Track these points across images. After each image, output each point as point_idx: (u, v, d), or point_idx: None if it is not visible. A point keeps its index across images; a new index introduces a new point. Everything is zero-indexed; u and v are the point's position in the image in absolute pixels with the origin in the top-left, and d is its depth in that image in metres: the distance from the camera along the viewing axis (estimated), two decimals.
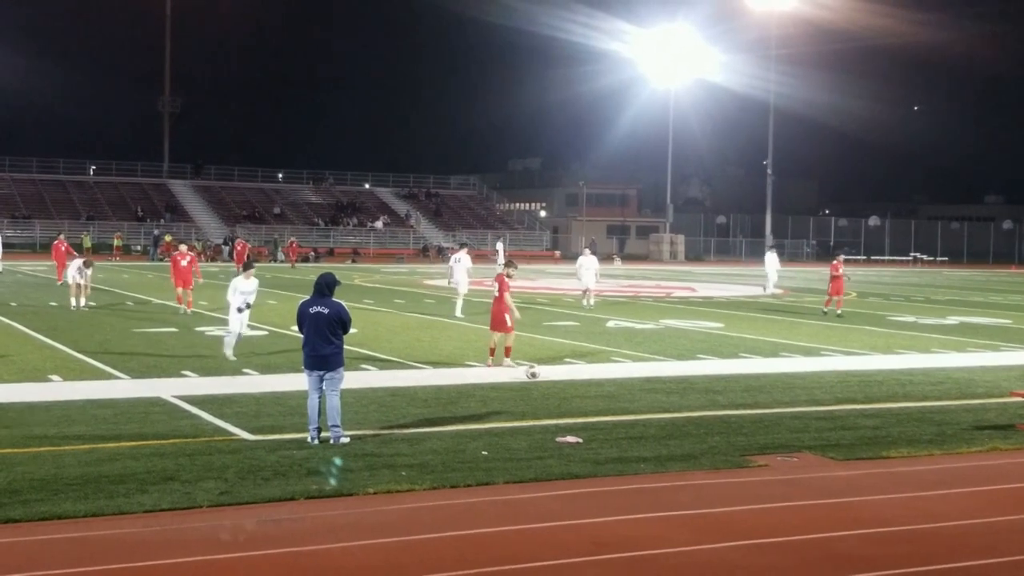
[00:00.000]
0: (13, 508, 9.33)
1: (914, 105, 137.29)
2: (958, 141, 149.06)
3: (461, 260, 30.20)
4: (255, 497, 9.87)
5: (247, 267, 20.10)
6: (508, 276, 19.28)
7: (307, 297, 12.66)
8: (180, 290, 28.59)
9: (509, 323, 18.79)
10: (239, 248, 55.19)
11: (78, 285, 28.78)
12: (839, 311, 30.57)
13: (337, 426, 12.16)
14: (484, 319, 28.06)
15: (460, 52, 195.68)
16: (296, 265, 63.49)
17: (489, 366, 18.59)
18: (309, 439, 12.11)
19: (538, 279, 47.69)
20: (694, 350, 21.93)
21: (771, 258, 43.22)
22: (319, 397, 12.26)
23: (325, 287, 12.46)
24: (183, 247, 30.49)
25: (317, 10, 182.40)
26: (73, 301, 28.77)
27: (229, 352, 19.03)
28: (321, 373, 12.23)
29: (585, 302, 32.55)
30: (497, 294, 18.99)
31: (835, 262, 31.64)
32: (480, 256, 69.17)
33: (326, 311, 12.28)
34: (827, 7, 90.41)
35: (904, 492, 10.73)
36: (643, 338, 24.06)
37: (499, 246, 53.44)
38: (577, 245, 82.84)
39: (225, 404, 14.42)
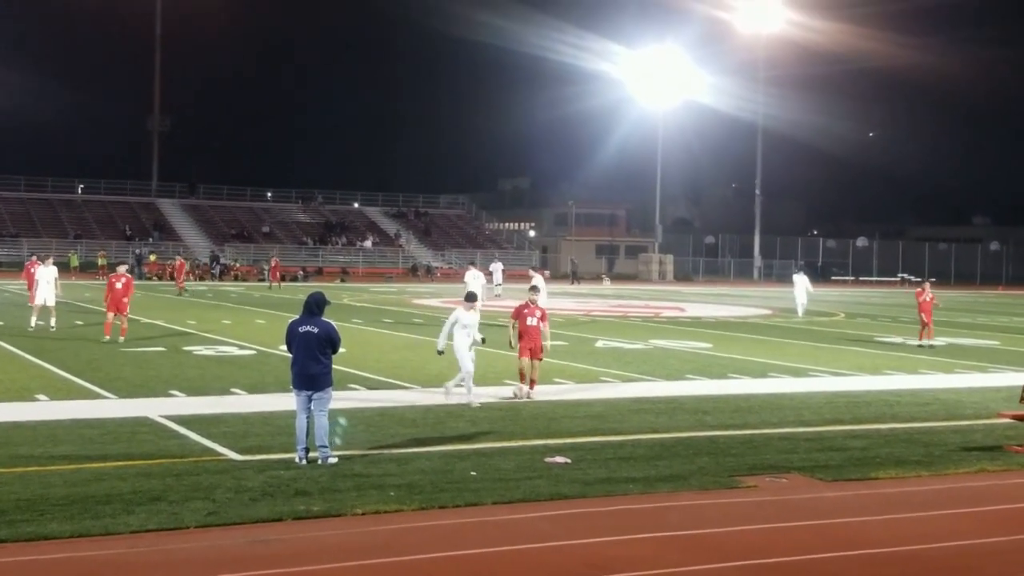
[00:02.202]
0: None
1: (910, 127, 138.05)
2: (946, 163, 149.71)
3: (479, 277, 32.05)
4: (243, 518, 9.82)
5: (471, 299, 17.40)
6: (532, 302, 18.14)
7: (297, 316, 12.61)
8: (111, 315, 25.38)
9: (515, 346, 17.92)
10: (177, 265, 52.63)
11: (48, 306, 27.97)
12: (931, 343, 28.87)
13: (325, 446, 12.11)
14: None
15: (450, 72, 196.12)
16: (277, 285, 59.32)
17: (524, 394, 17.53)
18: (297, 459, 12.06)
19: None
20: (683, 370, 21.94)
21: (800, 280, 41.74)
22: (307, 417, 12.21)
23: (315, 306, 12.41)
24: (121, 268, 27.27)
25: (306, 30, 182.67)
26: (53, 321, 28.22)
27: (472, 397, 16.60)
28: (309, 393, 12.17)
29: None
30: (535, 322, 17.81)
31: (919, 290, 29.77)
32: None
33: (316, 330, 12.22)
34: (815, 30, 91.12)
35: (892, 513, 10.74)
36: (632, 358, 24.07)
37: (494, 267, 53.25)
38: (566, 265, 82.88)
39: (212, 424, 14.37)
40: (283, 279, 62.28)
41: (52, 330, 27.36)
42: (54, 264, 29.53)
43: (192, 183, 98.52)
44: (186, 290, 49.27)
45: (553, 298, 46.56)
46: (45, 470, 11.47)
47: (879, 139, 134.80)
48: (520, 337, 17.86)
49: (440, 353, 17.11)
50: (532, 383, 17.76)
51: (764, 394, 18.71)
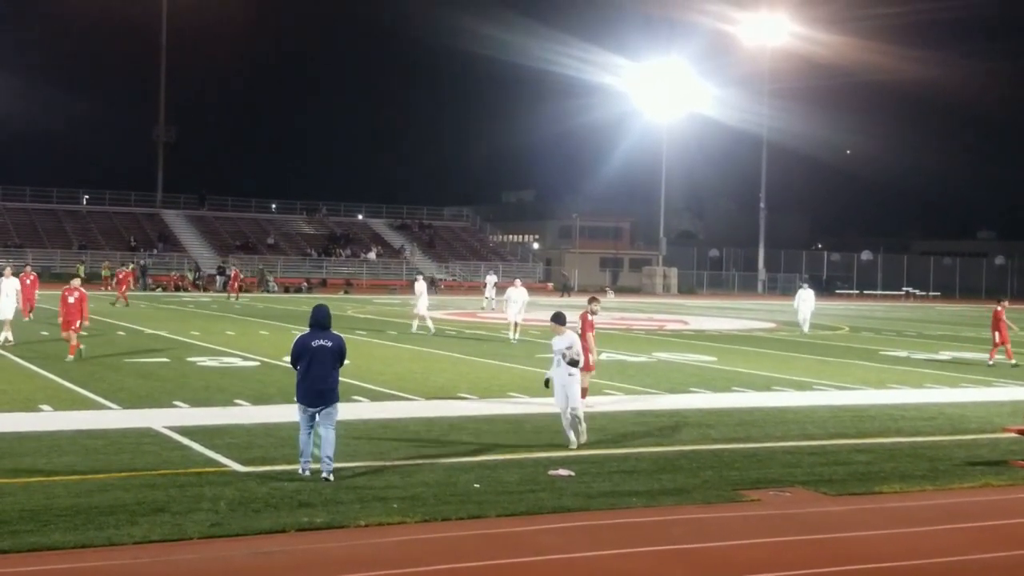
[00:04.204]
0: (2, 539, 9.27)
1: (915, 140, 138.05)
2: (951, 176, 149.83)
3: (424, 289, 34.78)
4: (246, 529, 9.81)
5: (559, 320, 14.99)
6: (592, 313, 18.19)
7: (305, 331, 12.35)
8: (65, 334, 23.83)
9: (591, 362, 17.58)
10: (120, 276, 49.62)
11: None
12: (1013, 361, 27.65)
13: (330, 458, 11.89)
14: (467, 348, 28.21)
15: (454, 85, 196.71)
16: (236, 296, 57.80)
17: (587, 405, 17.29)
18: (300, 471, 11.97)
19: (529, 311, 47.67)
20: (686, 383, 21.91)
21: (807, 295, 40.27)
22: (310, 434, 11.98)
23: (326, 320, 12.22)
24: (75, 281, 25.03)
25: (312, 42, 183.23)
26: (11, 335, 26.37)
27: (572, 436, 14.31)
28: (318, 409, 11.94)
29: (512, 336, 31.22)
30: (580, 332, 17.43)
31: (998, 308, 28.36)
32: (472, 288, 69.26)
33: (329, 344, 12.04)
34: (819, 43, 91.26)
35: (896, 528, 10.71)
36: (635, 371, 24.03)
37: (489, 279, 53.28)
38: (571, 277, 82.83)
39: (216, 435, 14.36)
40: (241, 289, 60.52)
41: (10, 343, 25.91)
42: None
43: (201, 195, 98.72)
44: (119, 303, 46.23)
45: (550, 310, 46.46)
46: (49, 480, 11.47)
47: (883, 152, 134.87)
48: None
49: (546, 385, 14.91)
50: (584, 392, 17.77)
51: (768, 408, 18.68)
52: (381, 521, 10.21)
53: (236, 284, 59.54)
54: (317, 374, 11.96)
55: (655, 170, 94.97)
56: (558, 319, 14.93)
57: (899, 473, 13.21)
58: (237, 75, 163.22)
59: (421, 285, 35.10)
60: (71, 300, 23.88)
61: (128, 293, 49.29)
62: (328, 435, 11.96)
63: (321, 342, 12.06)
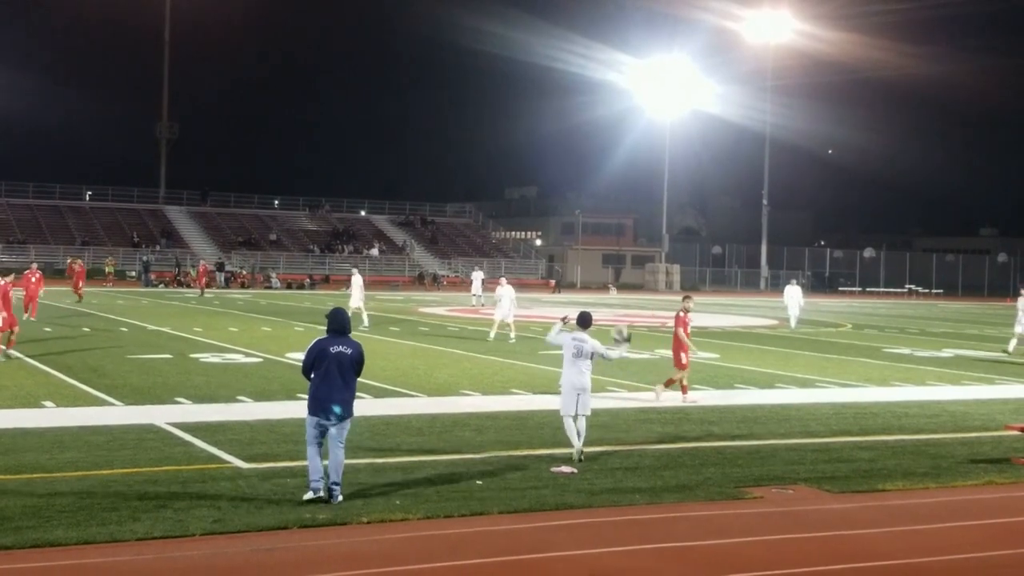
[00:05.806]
0: (5, 535, 9.27)
1: (919, 137, 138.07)
2: (953, 174, 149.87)
3: (360, 284, 35.16)
4: (248, 526, 9.81)
5: (585, 323, 14.05)
6: (686, 311, 19.30)
7: (322, 336, 11.43)
8: (6, 330, 22.96)
9: (684, 359, 18.93)
10: (78, 270, 46.86)
11: None
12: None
13: (339, 483, 10.84)
14: (470, 344, 28.17)
15: (458, 82, 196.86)
16: (202, 290, 56.99)
17: (691, 401, 18.65)
18: (310, 494, 10.75)
19: (533, 307, 47.70)
20: (689, 380, 21.84)
21: (793, 291, 40.78)
22: (320, 450, 11.00)
23: (345, 324, 11.42)
24: (7, 279, 23.41)
25: (315, 38, 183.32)
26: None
27: (578, 443, 13.26)
28: (332, 423, 10.95)
29: (492, 333, 30.30)
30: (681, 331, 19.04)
31: None
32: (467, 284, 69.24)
33: (349, 351, 11.15)
34: (823, 39, 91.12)
35: (899, 525, 10.70)
36: (638, 368, 24.01)
37: (476, 275, 53.05)
38: (573, 274, 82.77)
39: (219, 431, 14.37)
40: (209, 285, 60.05)
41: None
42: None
43: (204, 191, 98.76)
44: (76, 298, 44.41)
45: (563, 308, 46.54)
46: (51, 477, 11.48)
47: (886, 149, 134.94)
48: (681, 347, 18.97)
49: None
50: (684, 389, 18.92)
51: (771, 405, 18.67)
52: (383, 518, 10.20)
53: (204, 279, 58.98)
54: (335, 382, 11.02)
55: (658, 167, 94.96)
56: (585, 323, 14.01)
57: (902, 470, 13.20)
58: (240, 71, 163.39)
59: (357, 279, 35.46)
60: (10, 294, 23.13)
61: (83, 289, 46.33)
62: (338, 456, 10.90)
63: (340, 348, 11.12)
